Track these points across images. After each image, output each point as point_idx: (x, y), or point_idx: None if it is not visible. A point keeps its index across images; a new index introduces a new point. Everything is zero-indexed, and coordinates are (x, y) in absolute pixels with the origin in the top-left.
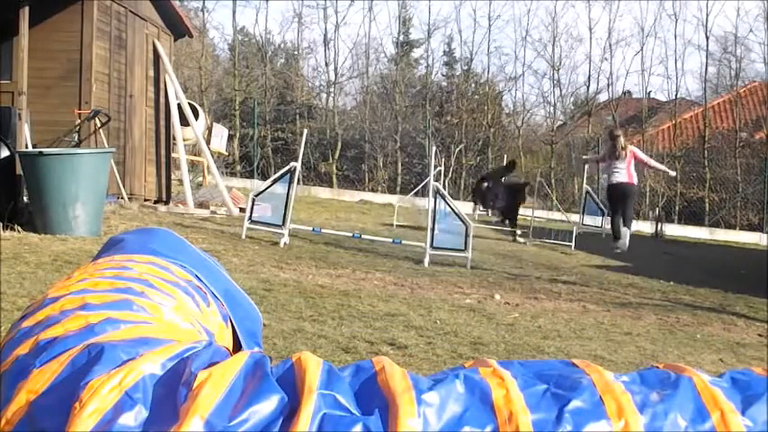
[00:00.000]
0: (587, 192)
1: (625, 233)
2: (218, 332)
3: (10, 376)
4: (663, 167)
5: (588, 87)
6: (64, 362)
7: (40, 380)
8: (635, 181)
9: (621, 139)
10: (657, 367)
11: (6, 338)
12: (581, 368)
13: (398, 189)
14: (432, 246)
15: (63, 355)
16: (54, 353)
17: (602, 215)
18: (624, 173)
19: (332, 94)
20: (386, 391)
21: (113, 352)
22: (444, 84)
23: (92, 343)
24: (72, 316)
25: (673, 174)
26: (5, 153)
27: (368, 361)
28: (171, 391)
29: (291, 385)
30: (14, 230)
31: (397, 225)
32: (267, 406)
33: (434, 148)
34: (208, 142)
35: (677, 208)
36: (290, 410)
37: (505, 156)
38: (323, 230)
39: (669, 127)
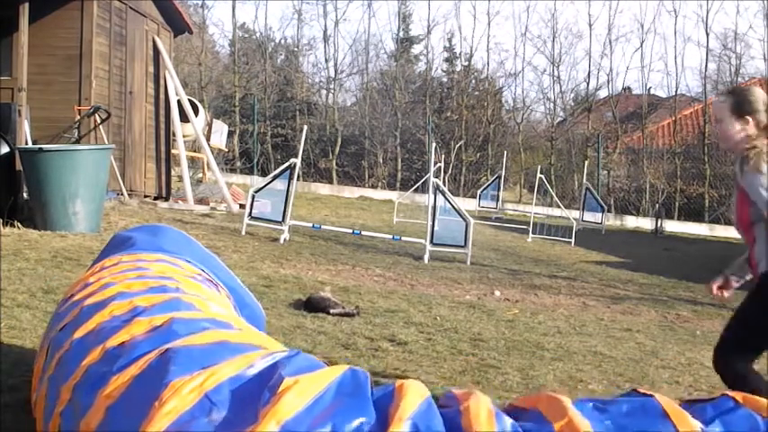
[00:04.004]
0: (587, 188)
1: None
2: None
3: (85, 386)
4: None
5: (588, 83)
6: (142, 366)
7: (119, 384)
8: None
9: None
10: (735, 399)
11: (60, 352)
12: (668, 416)
13: (398, 185)
14: (431, 242)
15: (141, 360)
16: (130, 357)
17: (602, 211)
18: None
19: (332, 91)
20: None
21: (191, 356)
22: (444, 80)
23: (169, 347)
24: (133, 322)
25: None
26: (5, 149)
27: (451, 393)
28: (255, 395)
29: (385, 410)
30: (14, 227)
31: (396, 221)
32: (351, 425)
33: (434, 145)
34: (207, 138)
35: (677, 204)
36: None
37: (506, 152)
38: (323, 227)
39: (669, 123)
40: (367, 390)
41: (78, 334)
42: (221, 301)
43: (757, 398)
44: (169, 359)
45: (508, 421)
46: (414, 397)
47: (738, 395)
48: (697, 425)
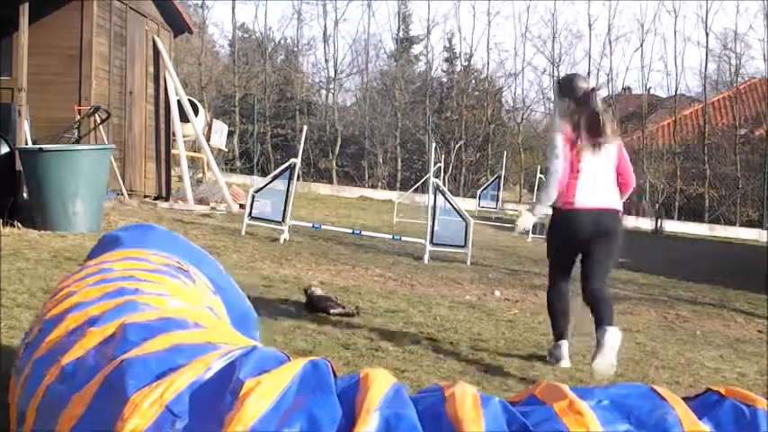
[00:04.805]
0: None
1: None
2: (216, 306)
3: (46, 407)
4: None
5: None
6: (99, 381)
7: (79, 403)
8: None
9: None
10: (719, 392)
11: (23, 375)
12: (665, 399)
13: (398, 185)
14: (431, 242)
15: (97, 375)
16: (86, 373)
17: None
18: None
19: (332, 91)
20: (453, 420)
21: (146, 366)
22: (444, 80)
23: (125, 359)
24: (86, 334)
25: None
26: (5, 149)
27: (435, 386)
28: (215, 399)
29: (351, 402)
30: (14, 227)
31: (396, 221)
32: (317, 421)
33: (434, 145)
34: (207, 139)
35: (677, 204)
36: (345, 429)
37: (505, 152)
38: (323, 227)
39: (669, 123)
40: (330, 382)
41: (38, 354)
42: (187, 290)
43: (740, 389)
44: (125, 371)
45: (497, 404)
46: (380, 386)
47: (721, 388)
48: (689, 411)
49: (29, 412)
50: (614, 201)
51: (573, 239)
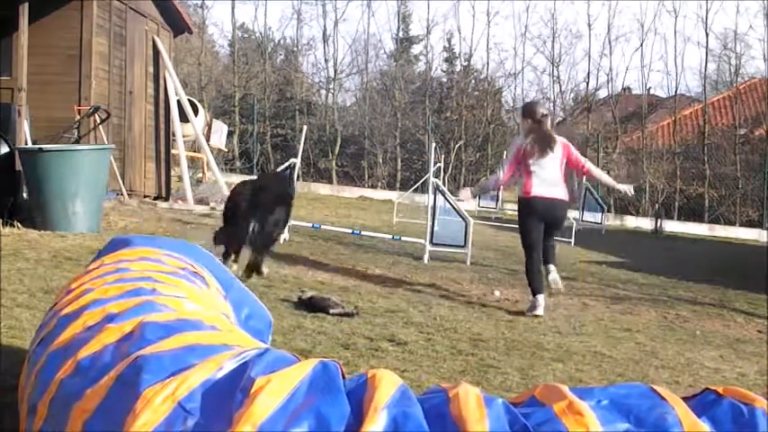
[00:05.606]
0: (587, 188)
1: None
2: (228, 312)
3: (59, 401)
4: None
5: (588, 83)
6: (114, 376)
7: (93, 397)
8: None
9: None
10: (717, 392)
11: (36, 368)
12: (664, 399)
13: (398, 185)
14: (431, 242)
15: (113, 370)
16: (102, 368)
17: (602, 211)
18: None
19: (331, 91)
20: (457, 420)
21: (161, 363)
22: (444, 80)
23: (140, 355)
24: (103, 330)
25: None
26: (5, 149)
27: (438, 387)
28: (227, 397)
29: (359, 402)
30: (14, 227)
31: (396, 221)
32: (326, 420)
33: (434, 145)
34: (207, 139)
35: (677, 204)
36: (354, 427)
37: (505, 152)
38: (323, 227)
39: (669, 123)
40: (339, 382)
41: (53, 347)
42: (203, 294)
43: (738, 388)
44: (140, 367)
45: (500, 404)
46: (388, 386)
47: (719, 387)
48: (689, 409)
49: (41, 405)
50: (560, 192)
51: (533, 217)
